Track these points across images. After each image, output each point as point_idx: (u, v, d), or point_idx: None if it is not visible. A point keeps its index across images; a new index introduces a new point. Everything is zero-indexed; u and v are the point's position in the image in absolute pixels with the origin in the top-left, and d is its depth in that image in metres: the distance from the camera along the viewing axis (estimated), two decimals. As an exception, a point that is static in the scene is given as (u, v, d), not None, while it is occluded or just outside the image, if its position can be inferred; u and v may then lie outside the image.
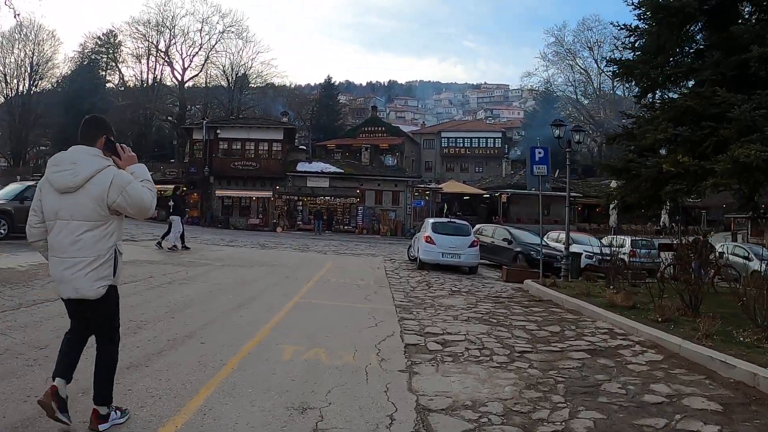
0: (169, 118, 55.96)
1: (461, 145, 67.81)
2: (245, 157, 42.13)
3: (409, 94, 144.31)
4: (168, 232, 17.31)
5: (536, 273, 16.22)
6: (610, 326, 9.12)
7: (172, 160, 52.74)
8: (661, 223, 42.21)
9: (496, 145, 67.10)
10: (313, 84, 75.06)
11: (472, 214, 43.47)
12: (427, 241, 16.89)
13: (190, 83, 64.24)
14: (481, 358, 6.52)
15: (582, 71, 60.23)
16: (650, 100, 14.76)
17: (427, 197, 43.48)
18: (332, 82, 74.47)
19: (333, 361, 5.88)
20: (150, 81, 64.49)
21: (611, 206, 36.18)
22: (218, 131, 42.62)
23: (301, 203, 41.42)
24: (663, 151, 13.24)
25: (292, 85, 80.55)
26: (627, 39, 14.45)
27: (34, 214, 3.64)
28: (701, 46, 13.69)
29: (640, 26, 13.99)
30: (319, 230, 37.24)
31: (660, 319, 9.01)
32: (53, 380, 3.56)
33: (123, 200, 3.48)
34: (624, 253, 22.28)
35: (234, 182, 42.04)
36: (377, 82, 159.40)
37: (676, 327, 8.60)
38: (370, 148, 47.58)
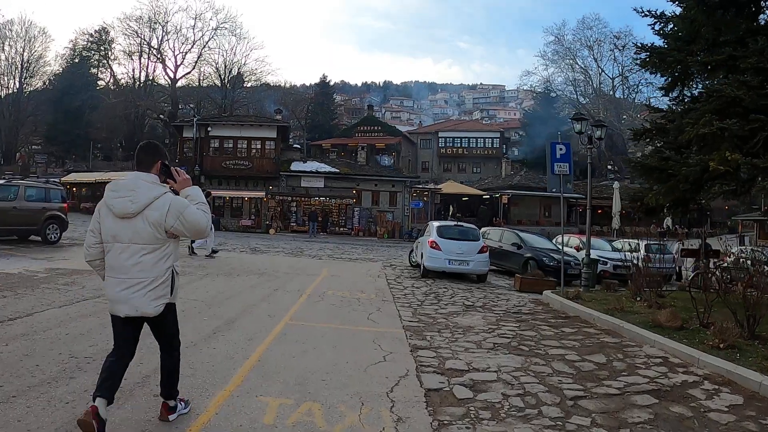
0: (161, 116, 54.18)
1: (459, 145, 66.14)
2: (237, 156, 40.37)
3: (405, 94, 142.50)
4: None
5: (552, 282, 14.70)
6: (662, 353, 7.57)
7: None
8: (664, 225, 40.76)
9: (494, 146, 65.49)
10: (308, 84, 73.49)
11: (472, 216, 41.90)
12: (432, 247, 15.29)
13: (183, 81, 62.80)
14: (527, 411, 4.92)
15: (582, 70, 58.85)
16: (680, 91, 13.26)
17: (425, 198, 41.87)
18: (327, 81, 72.70)
19: (332, 426, 4.26)
20: (142, 79, 62.88)
21: (615, 209, 34.77)
22: (209, 129, 40.81)
23: (294, 204, 39.70)
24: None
25: (288, 85, 78.97)
26: (653, 26, 12.92)
27: (93, 235, 3.77)
28: (741, 33, 12.15)
29: (669, 12, 12.49)
30: (313, 232, 35.56)
31: (721, 346, 7.44)
32: (94, 400, 3.56)
33: (180, 225, 3.65)
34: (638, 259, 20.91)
35: (225, 182, 40.26)
36: (372, 82, 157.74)
37: (743, 355, 7.07)
38: (366, 147, 45.91)
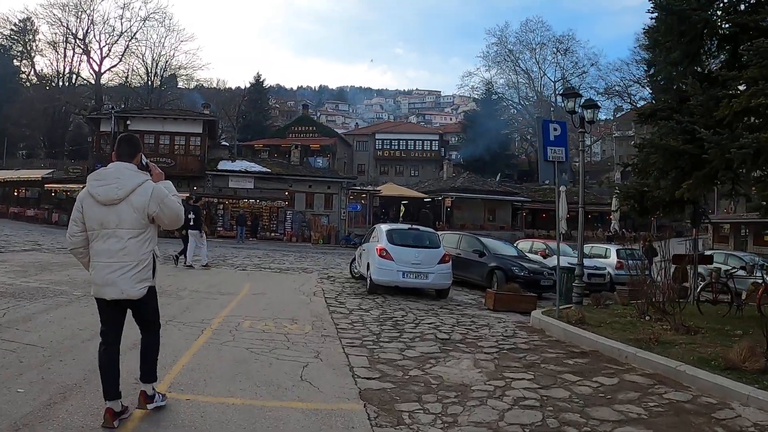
0: (83, 112, 48.51)
1: (396, 147, 63.02)
2: (159, 153, 35.49)
3: (341, 98, 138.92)
4: (191, 248, 14.91)
5: (532, 298, 11.73)
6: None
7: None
8: (611, 229, 39.09)
9: (434, 148, 62.75)
10: (243, 87, 68.70)
11: (413, 220, 38.84)
12: (381, 256, 11.98)
13: (109, 76, 57.30)
14: None
15: (524, 73, 57.24)
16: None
17: (363, 201, 38.58)
18: (262, 80, 68.00)
19: None
20: (66, 71, 56.72)
21: (561, 212, 32.65)
22: (128, 123, 35.96)
23: (222, 206, 35.47)
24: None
25: (222, 87, 73.70)
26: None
27: (75, 224, 3.86)
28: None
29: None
30: (241, 238, 31.57)
31: None
32: (107, 403, 3.75)
33: (161, 210, 3.81)
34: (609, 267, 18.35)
35: (145, 182, 35.71)
36: (308, 86, 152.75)
37: None
38: (300, 147, 42.19)
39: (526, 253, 17.47)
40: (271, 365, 5.64)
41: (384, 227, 13.27)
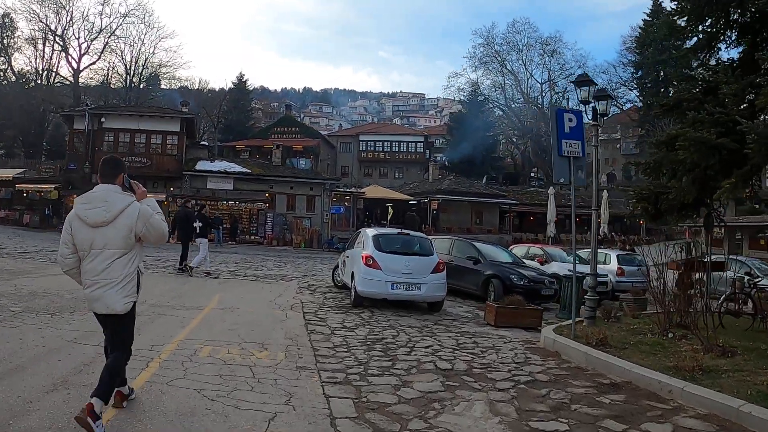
0: (60, 110, 46.36)
1: (381, 149, 61.51)
2: (134, 152, 33.95)
3: (324, 100, 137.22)
4: (201, 256, 14.56)
5: (537, 312, 10.45)
6: None
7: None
8: (601, 233, 38.09)
9: (418, 150, 61.34)
10: (227, 89, 66.58)
11: (398, 223, 37.49)
12: (367, 265, 10.59)
13: (88, 73, 55.35)
14: None
15: (510, 74, 56.17)
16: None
17: (347, 203, 37.13)
18: (245, 80, 66.13)
19: None
20: (44, 69, 54.47)
21: (550, 215, 31.65)
22: (103, 120, 34.21)
23: (199, 208, 33.72)
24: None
25: (204, 89, 71.57)
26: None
27: (66, 246, 3.99)
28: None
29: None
30: (219, 241, 29.92)
31: None
32: (91, 398, 3.68)
33: (147, 230, 3.96)
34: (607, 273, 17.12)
35: (120, 182, 33.99)
36: (292, 88, 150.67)
37: None
38: (281, 147, 40.63)
39: (523, 260, 16.15)
40: (227, 419, 4.21)
41: (370, 232, 11.86)
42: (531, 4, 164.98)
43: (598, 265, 17.03)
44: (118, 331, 4.07)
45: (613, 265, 17.20)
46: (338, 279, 13.59)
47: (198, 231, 14.74)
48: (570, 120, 8.86)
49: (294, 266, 19.59)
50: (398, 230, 12.23)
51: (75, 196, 29.23)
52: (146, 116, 35.05)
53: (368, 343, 7.52)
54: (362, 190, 39.94)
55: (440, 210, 38.41)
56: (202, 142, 43.45)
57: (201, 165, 34.84)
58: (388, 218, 34.81)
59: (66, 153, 36.86)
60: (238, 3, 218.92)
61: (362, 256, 10.76)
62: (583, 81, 10.12)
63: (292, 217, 34.65)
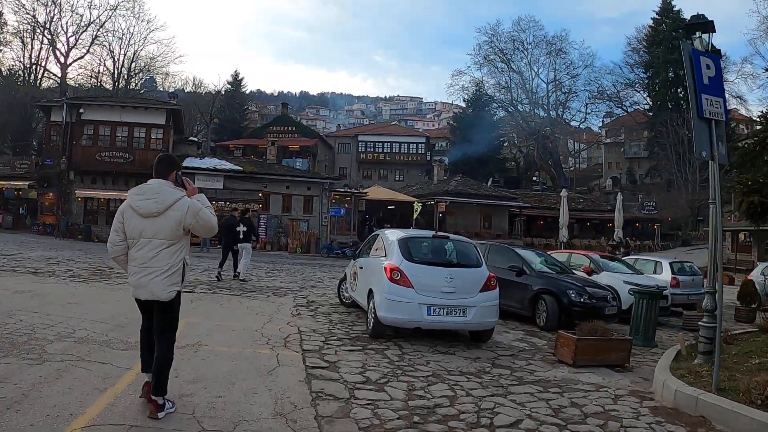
0: (37, 101, 43.06)
1: (380, 150, 58.22)
2: (116, 147, 30.80)
3: (321, 104, 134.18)
4: (237, 262, 14.00)
5: (625, 344, 7.33)
6: None
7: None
8: (616, 238, 35.08)
9: (420, 151, 58.09)
10: (221, 87, 63.56)
11: (404, 227, 34.33)
12: (394, 280, 7.42)
13: (77, 69, 52.27)
14: None
15: (516, 72, 53.22)
16: None
17: (347, 205, 33.95)
18: (240, 78, 63.01)
19: None
20: (32, 64, 51.17)
21: (563, 219, 28.46)
22: (81, 111, 30.93)
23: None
24: None
25: (202, 92, 68.19)
26: None
27: (117, 234, 4.16)
28: None
29: None
30: (207, 245, 26.78)
31: None
32: (145, 376, 4.22)
33: (196, 223, 4.11)
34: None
35: (100, 179, 30.80)
36: (288, 92, 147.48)
37: None
38: (276, 144, 37.44)
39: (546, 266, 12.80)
40: None
41: (393, 235, 8.58)
42: (521, 11, 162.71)
43: (653, 276, 14.26)
44: (163, 317, 4.13)
45: (667, 274, 14.16)
46: (345, 295, 10.46)
47: (242, 236, 13.90)
48: (708, 67, 5.79)
49: (289, 275, 16.42)
50: (432, 233, 8.97)
51: (49, 195, 25.60)
52: (129, 107, 31.88)
53: (415, 419, 4.38)
54: (365, 191, 36.77)
55: (447, 213, 35.28)
56: (191, 138, 40.21)
57: (189, 162, 31.58)
58: (414, 219, 30.84)
59: (42, 147, 33.56)
60: (234, 6, 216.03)
61: (385, 269, 7.60)
62: (698, 23, 7.08)
63: (288, 219, 31.50)
